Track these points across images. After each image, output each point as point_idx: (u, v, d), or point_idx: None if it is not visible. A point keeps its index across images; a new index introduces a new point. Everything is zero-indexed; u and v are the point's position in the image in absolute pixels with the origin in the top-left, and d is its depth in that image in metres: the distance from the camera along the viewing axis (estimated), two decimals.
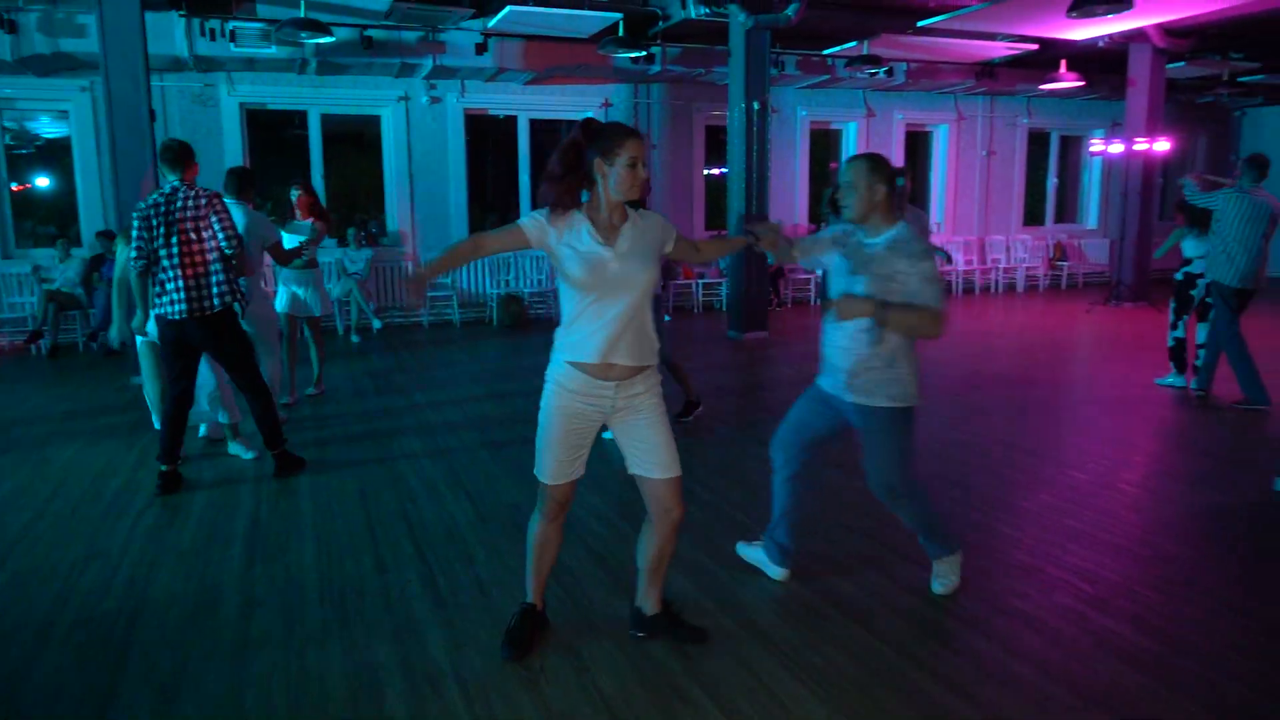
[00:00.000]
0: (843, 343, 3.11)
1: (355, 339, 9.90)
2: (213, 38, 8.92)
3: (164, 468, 4.72)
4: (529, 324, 11.02)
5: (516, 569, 3.55)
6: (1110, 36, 11.14)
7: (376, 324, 10.21)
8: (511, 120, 11.61)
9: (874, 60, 10.23)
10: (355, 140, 11.89)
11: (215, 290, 4.60)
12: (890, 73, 11.76)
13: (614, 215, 2.71)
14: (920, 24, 9.63)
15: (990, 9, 9.16)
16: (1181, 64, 12.39)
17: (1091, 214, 15.62)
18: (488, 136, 12.29)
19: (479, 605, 3.33)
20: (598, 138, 2.64)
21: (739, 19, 8.97)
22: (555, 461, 2.79)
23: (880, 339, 3.00)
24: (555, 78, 11.11)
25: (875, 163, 3.04)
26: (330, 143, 10.99)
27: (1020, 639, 3.02)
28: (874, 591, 3.40)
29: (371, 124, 11.15)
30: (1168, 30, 11.13)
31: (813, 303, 12.85)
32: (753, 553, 3.60)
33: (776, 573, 3.49)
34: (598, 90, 11.65)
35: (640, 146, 2.65)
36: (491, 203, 13.49)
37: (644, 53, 9.28)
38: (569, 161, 2.66)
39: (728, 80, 11.07)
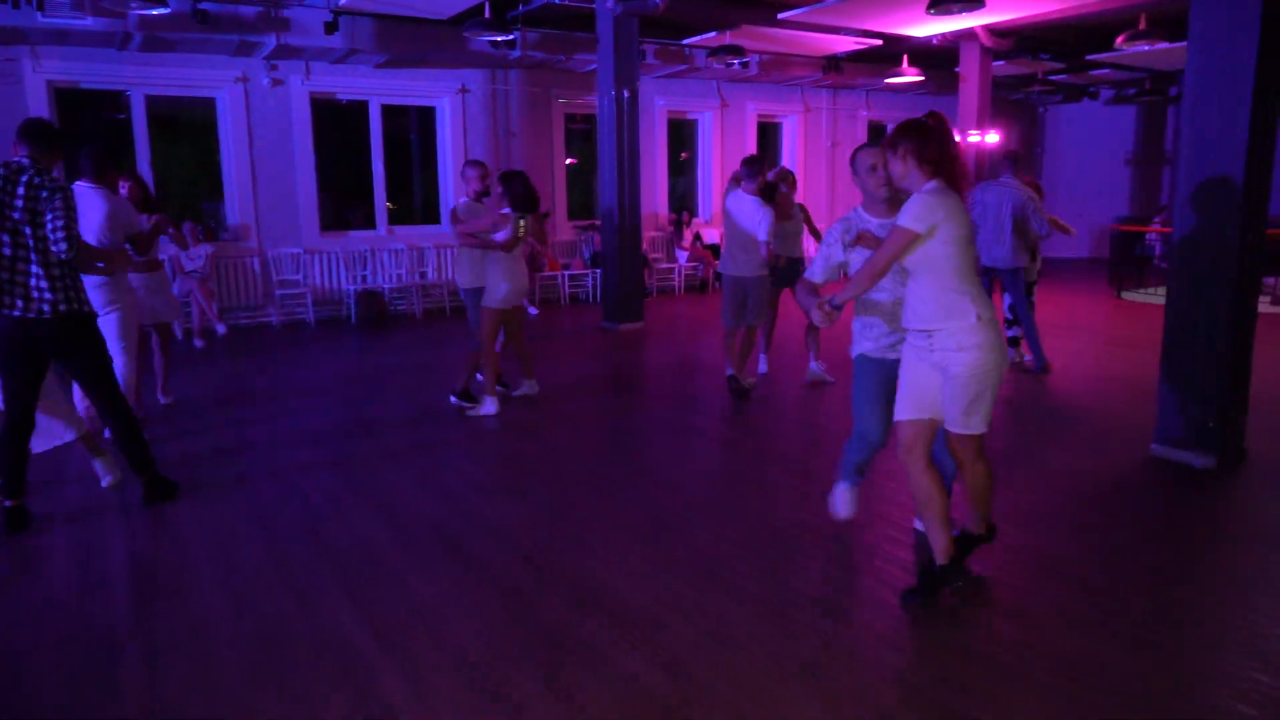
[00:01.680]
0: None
1: (198, 343, 9.02)
2: (15, 5, 7.82)
3: (7, 503, 4.07)
4: (390, 321, 10.46)
5: (454, 588, 3.31)
6: (943, 35, 11.85)
7: (220, 328, 9.34)
8: (362, 106, 10.94)
9: (737, 50, 10.38)
10: (185, 125, 10.82)
11: (64, 288, 3.98)
12: (746, 65, 11.98)
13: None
14: (781, 16, 9.84)
15: (846, 4, 9.49)
16: (1001, 62, 13.38)
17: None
18: (338, 122, 11.54)
19: (426, 632, 3.06)
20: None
21: (607, 4, 8.82)
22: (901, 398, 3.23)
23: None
24: (409, 61, 10.55)
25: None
26: (158, 128, 9.95)
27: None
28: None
29: (205, 108, 10.18)
30: (993, 31, 11.96)
31: (687, 291, 12.94)
32: None
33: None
34: (454, 76, 11.18)
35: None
36: (344, 193, 12.72)
37: (509, 36, 8.95)
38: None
39: (591, 67, 10.94)
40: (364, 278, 10.82)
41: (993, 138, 12.56)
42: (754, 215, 6.12)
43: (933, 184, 3.01)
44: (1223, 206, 4.49)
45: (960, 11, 7.58)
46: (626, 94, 9.28)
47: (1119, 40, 9.49)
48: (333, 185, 11.27)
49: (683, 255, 12.98)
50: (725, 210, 6.29)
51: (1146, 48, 9.47)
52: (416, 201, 12.31)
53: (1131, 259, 13.82)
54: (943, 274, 3.01)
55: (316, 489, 4.55)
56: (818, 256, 3.57)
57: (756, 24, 10.33)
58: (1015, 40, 12.38)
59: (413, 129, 12.52)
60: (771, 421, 5.96)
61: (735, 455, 5.31)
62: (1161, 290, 11.44)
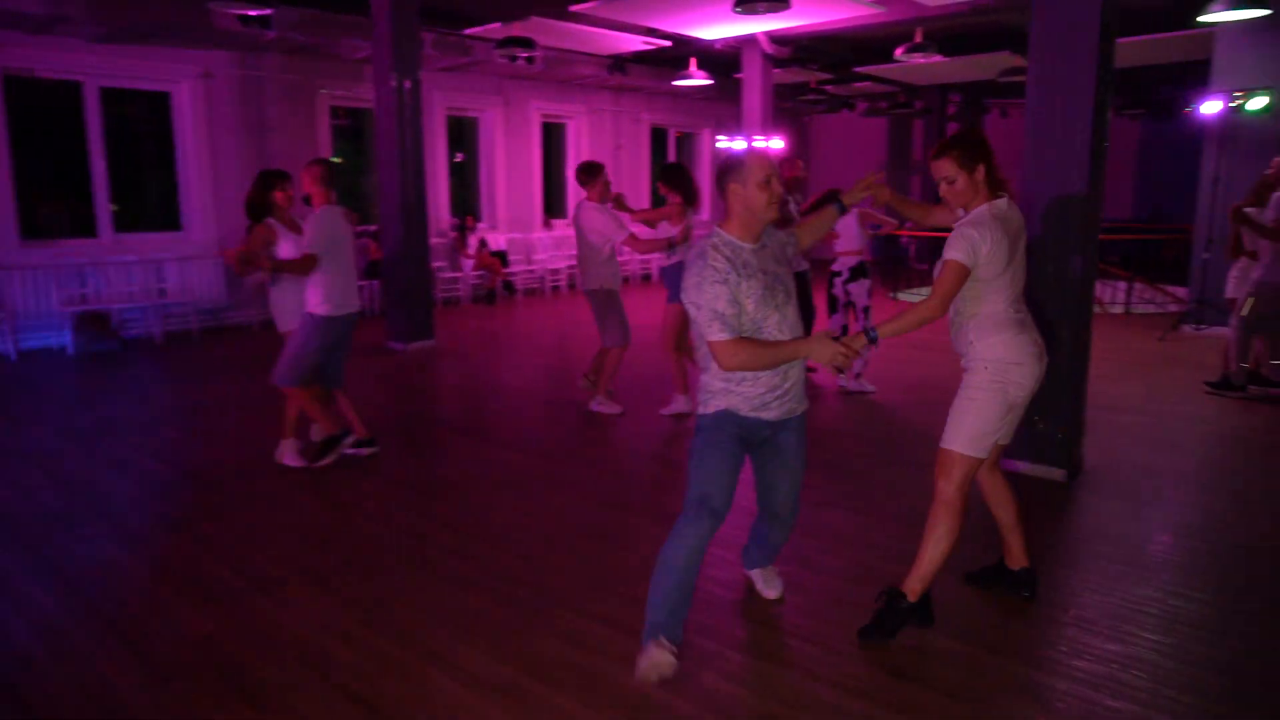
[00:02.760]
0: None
1: None
2: None
3: None
4: (121, 349, 8.69)
5: None
6: (726, 40, 11.83)
7: None
8: (75, 88, 9.02)
9: (526, 43, 9.63)
10: None
11: None
12: (531, 60, 11.27)
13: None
14: (572, 7, 9.23)
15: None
16: (778, 70, 13.66)
17: (706, 206, 16.74)
18: (43, 108, 9.47)
19: None
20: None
21: None
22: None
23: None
24: (135, 36, 8.82)
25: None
26: None
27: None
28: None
29: None
30: (774, 38, 12.12)
31: (474, 302, 11.99)
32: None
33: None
34: (194, 57, 9.53)
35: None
36: (52, 193, 10.52)
37: (262, 11, 7.64)
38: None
39: (363, 54, 9.78)
40: (83, 297, 8.92)
41: (777, 143, 12.74)
42: (595, 224, 5.72)
43: (998, 202, 2.95)
44: (1064, 213, 4.42)
45: (765, 12, 7.36)
46: (408, 85, 8.26)
47: (898, 51, 9.82)
48: (38, 184, 9.24)
49: (468, 264, 12.04)
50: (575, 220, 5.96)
51: (923, 60, 9.86)
52: (150, 204, 10.43)
53: (894, 260, 14.70)
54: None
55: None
56: (712, 312, 2.66)
57: (546, 16, 9.66)
58: (793, 49, 12.64)
59: (144, 118, 10.62)
60: (627, 461, 5.31)
61: (586, 504, 4.60)
62: (925, 290, 12.20)
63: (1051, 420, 4.58)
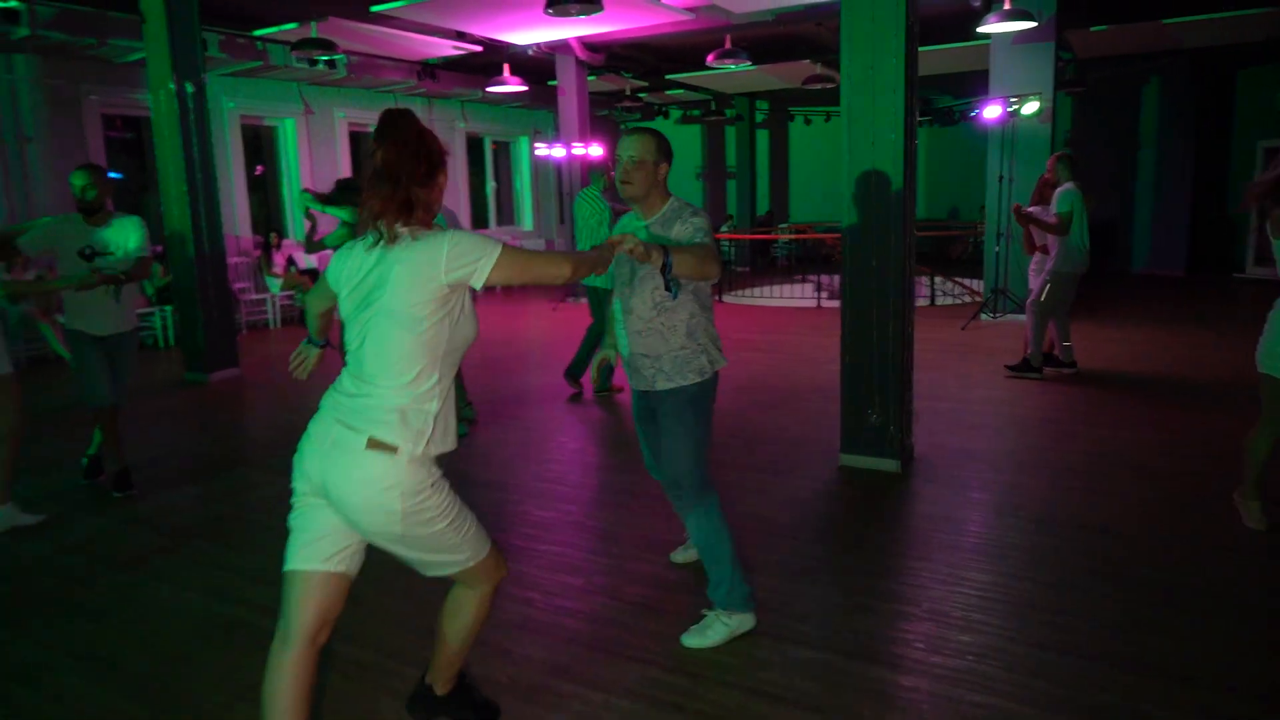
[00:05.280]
0: (641, 327, 2.88)
1: None
2: None
3: None
4: None
5: None
6: (539, 45, 11.63)
7: None
8: None
9: (326, 45, 8.99)
10: None
11: None
12: (332, 65, 10.59)
13: None
14: (374, 9, 8.72)
15: (444, 0, 8.71)
16: (593, 78, 13.62)
17: (527, 216, 16.48)
18: None
19: None
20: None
21: None
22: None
23: (676, 295, 2.61)
24: None
25: (659, 137, 2.87)
26: None
27: None
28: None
29: None
30: (586, 44, 12.04)
31: (271, 326, 11.10)
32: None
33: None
34: None
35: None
36: None
37: (7, 4, 6.65)
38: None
39: (135, 56, 8.82)
40: None
41: (596, 150, 12.67)
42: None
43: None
44: (887, 211, 4.52)
45: (578, 14, 7.21)
46: (190, 88, 7.48)
47: (710, 57, 9.98)
48: None
49: (275, 284, 11.15)
50: None
51: (734, 66, 10.07)
52: None
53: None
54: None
55: None
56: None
57: (346, 17, 9.08)
58: (606, 56, 12.62)
59: None
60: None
61: None
62: (748, 292, 12.49)
63: (884, 412, 4.68)
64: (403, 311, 1.94)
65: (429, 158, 2.02)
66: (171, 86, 7.34)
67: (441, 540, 2.05)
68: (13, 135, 8.92)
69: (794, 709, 2.56)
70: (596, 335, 6.69)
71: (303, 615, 2.00)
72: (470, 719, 2.44)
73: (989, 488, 4.48)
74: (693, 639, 2.92)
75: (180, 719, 2.61)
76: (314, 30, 8.99)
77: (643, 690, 2.68)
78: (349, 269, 2.06)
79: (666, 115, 18.48)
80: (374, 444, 1.93)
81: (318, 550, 2.01)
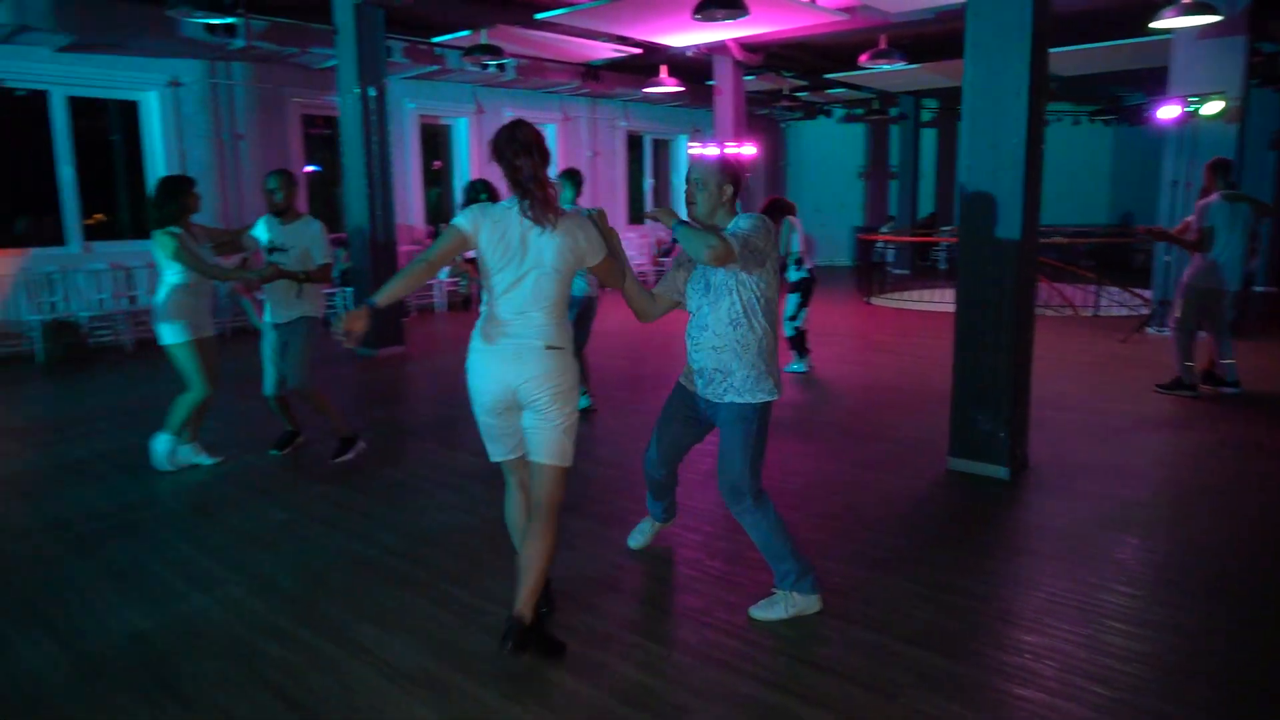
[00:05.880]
0: (718, 344, 3.07)
1: None
2: None
3: None
4: (88, 357, 8.69)
5: None
6: (698, 47, 11.93)
7: None
8: (41, 97, 9.03)
9: (493, 50, 9.69)
10: None
11: None
12: (502, 68, 11.35)
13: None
14: (538, 16, 9.31)
15: (604, 7, 9.16)
16: (751, 77, 13.78)
17: (682, 210, 16.79)
18: (10, 118, 9.46)
19: None
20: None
21: None
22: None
23: (749, 326, 3.04)
24: (102, 45, 8.85)
25: (724, 163, 3.11)
26: None
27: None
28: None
29: None
30: (744, 45, 12.23)
31: (438, 309, 12.04)
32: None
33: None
34: (163, 66, 9.56)
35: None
36: (21, 201, 10.52)
37: (224, 19, 7.64)
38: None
39: (330, 63, 9.81)
40: (53, 305, 8.93)
41: (749, 150, 12.84)
42: None
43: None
44: (1005, 216, 4.51)
45: (724, 20, 7.44)
46: (374, 92, 8.31)
47: (864, 58, 9.93)
48: (9, 191, 9.25)
49: (443, 270, 12.07)
50: None
51: (888, 66, 9.97)
52: (123, 212, 10.44)
53: (871, 265, 14.77)
54: None
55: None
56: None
57: (512, 24, 9.73)
58: (764, 56, 12.76)
59: (115, 128, 10.63)
60: None
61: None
62: (900, 295, 12.25)
63: (994, 418, 4.66)
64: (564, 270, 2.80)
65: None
66: (357, 91, 8.20)
67: (569, 422, 2.83)
68: (229, 133, 10.19)
69: (837, 679, 2.74)
70: None
71: (517, 477, 3.01)
72: (541, 650, 2.82)
73: (1100, 501, 4.38)
74: (759, 611, 3.15)
75: (316, 630, 3.11)
76: (484, 37, 9.68)
77: (702, 649, 2.94)
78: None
79: (829, 114, 18.32)
80: (550, 347, 2.76)
81: (509, 446, 2.93)
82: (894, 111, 17.24)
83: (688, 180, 3.11)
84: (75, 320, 8.85)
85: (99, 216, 9.95)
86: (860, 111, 17.83)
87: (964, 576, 3.49)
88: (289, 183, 4.97)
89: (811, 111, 18.05)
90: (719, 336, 3.05)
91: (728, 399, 3.09)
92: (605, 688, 2.71)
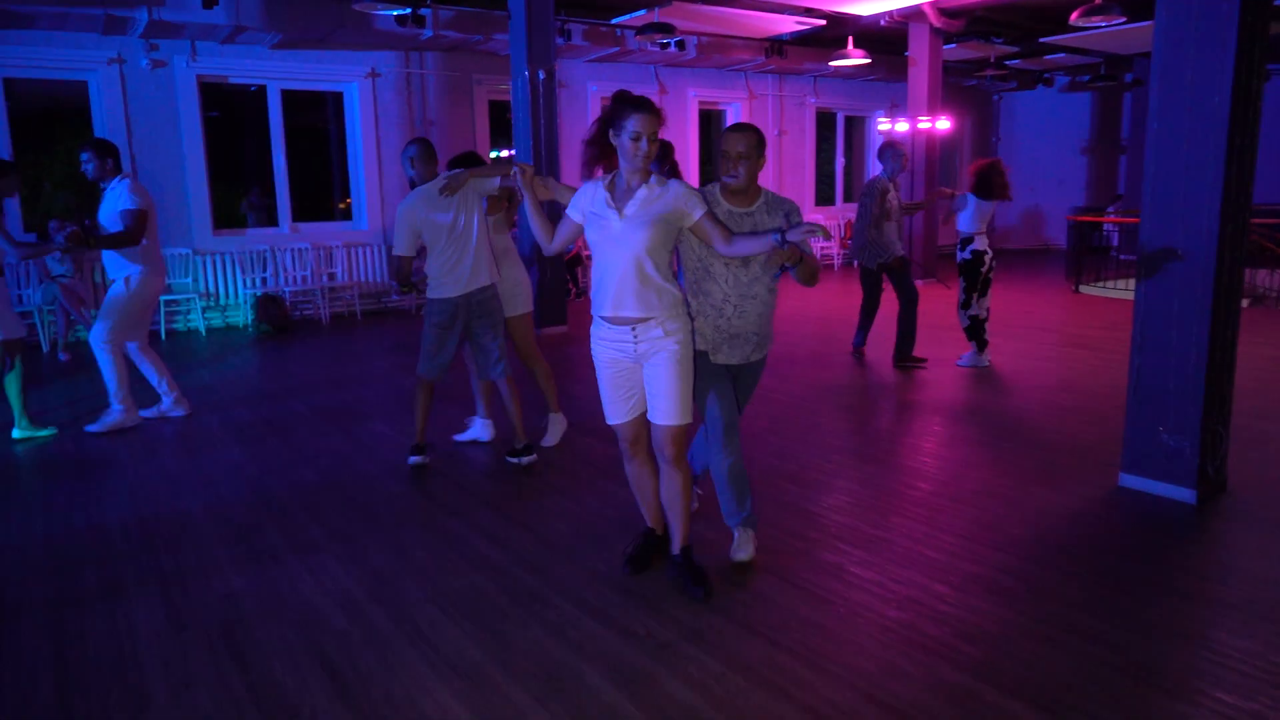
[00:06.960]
0: (756, 308, 3.23)
1: (63, 356, 8.02)
2: None
3: None
4: (293, 328, 9.52)
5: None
6: (891, 14, 11.16)
7: (61, 356, 8.12)
8: (262, 91, 9.97)
9: (666, 28, 9.55)
10: (58, 112, 9.79)
11: None
12: (682, 46, 11.18)
13: (630, 181, 2.93)
14: None
15: None
16: (953, 45, 12.73)
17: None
18: (237, 109, 10.55)
19: None
20: (611, 110, 2.87)
21: None
22: (608, 402, 3.14)
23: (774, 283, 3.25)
24: (309, 41, 9.60)
25: (761, 135, 3.13)
26: (20, 116, 8.92)
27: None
28: None
29: (75, 92, 9.15)
30: (942, 10, 11.29)
31: None
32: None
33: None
34: (362, 58, 10.24)
35: (647, 121, 2.81)
36: (245, 187, 11.73)
37: (407, 10, 8.01)
38: (595, 132, 2.99)
39: (510, 50, 10.07)
40: (263, 280, 9.86)
41: (943, 124, 11.90)
42: None
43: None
44: (1201, 190, 3.77)
45: None
46: (542, 75, 8.42)
47: (1074, 16, 8.82)
48: (231, 176, 10.31)
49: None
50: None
51: (1104, 24, 8.81)
52: (337, 195, 11.37)
53: (1088, 250, 13.24)
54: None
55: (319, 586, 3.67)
56: None
57: (689, 1, 9.53)
58: (966, 21, 11.72)
59: (329, 117, 11.58)
60: None
61: None
62: (1120, 283, 10.85)
63: (1180, 430, 3.94)
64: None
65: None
66: (526, 74, 8.34)
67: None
68: (420, 119, 10.75)
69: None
70: (910, 316, 6.97)
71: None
72: (689, 583, 3.13)
73: None
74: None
75: (387, 608, 3.12)
76: (657, 14, 9.55)
77: (761, 669, 2.65)
78: None
79: (1051, 82, 16.58)
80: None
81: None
82: (1128, 78, 15.34)
83: (726, 153, 3.08)
84: (280, 294, 9.71)
85: (348, 201, 10.87)
86: (1086, 79, 16.03)
87: (1106, 620, 2.94)
88: (425, 151, 4.60)
89: (1028, 80, 16.44)
90: (766, 305, 3.27)
91: (752, 358, 3.34)
92: (646, 705, 2.50)
